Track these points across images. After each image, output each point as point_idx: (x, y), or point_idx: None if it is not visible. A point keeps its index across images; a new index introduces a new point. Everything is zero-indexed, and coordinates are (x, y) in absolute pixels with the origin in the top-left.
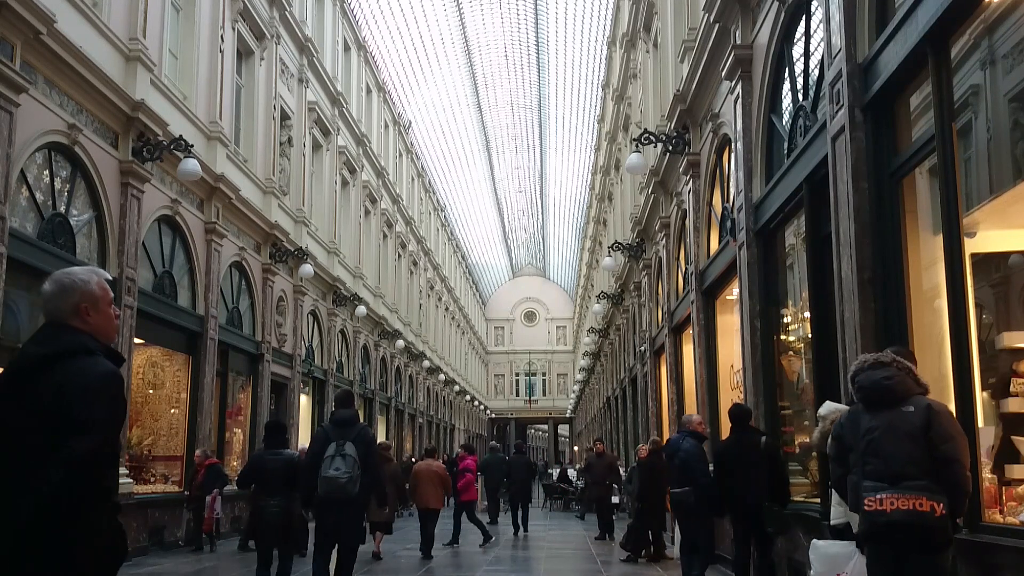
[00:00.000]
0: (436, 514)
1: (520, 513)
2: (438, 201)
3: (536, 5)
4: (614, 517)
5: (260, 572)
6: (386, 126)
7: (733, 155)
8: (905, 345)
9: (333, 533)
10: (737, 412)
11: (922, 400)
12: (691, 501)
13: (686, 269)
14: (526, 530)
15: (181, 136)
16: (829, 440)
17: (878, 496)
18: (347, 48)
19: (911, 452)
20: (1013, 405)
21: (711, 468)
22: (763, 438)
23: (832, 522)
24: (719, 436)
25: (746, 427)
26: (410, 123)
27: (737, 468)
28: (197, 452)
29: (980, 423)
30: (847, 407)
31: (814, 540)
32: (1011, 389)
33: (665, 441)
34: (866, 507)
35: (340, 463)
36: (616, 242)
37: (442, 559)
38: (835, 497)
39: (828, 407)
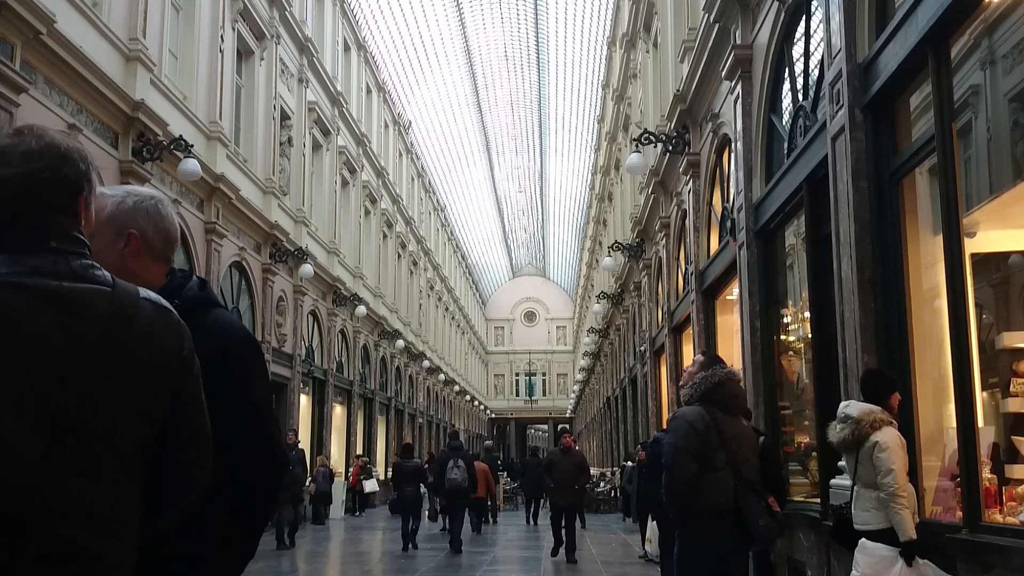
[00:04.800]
0: (484, 502)
1: (533, 508)
2: (438, 201)
3: (536, 5)
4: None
5: (404, 528)
6: (386, 126)
7: (733, 155)
8: (906, 345)
9: (453, 508)
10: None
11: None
12: None
13: (686, 269)
14: (536, 524)
15: (181, 136)
16: (688, 436)
17: (771, 497)
18: (347, 48)
19: (756, 459)
20: (1013, 405)
21: None
22: (761, 439)
23: (862, 526)
24: None
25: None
26: (410, 123)
27: None
28: None
29: (980, 423)
30: (878, 408)
31: (862, 540)
32: (1011, 389)
33: (651, 438)
34: (772, 507)
35: (456, 471)
36: (616, 242)
37: (442, 559)
38: (867, 502)
39: (860, 407)
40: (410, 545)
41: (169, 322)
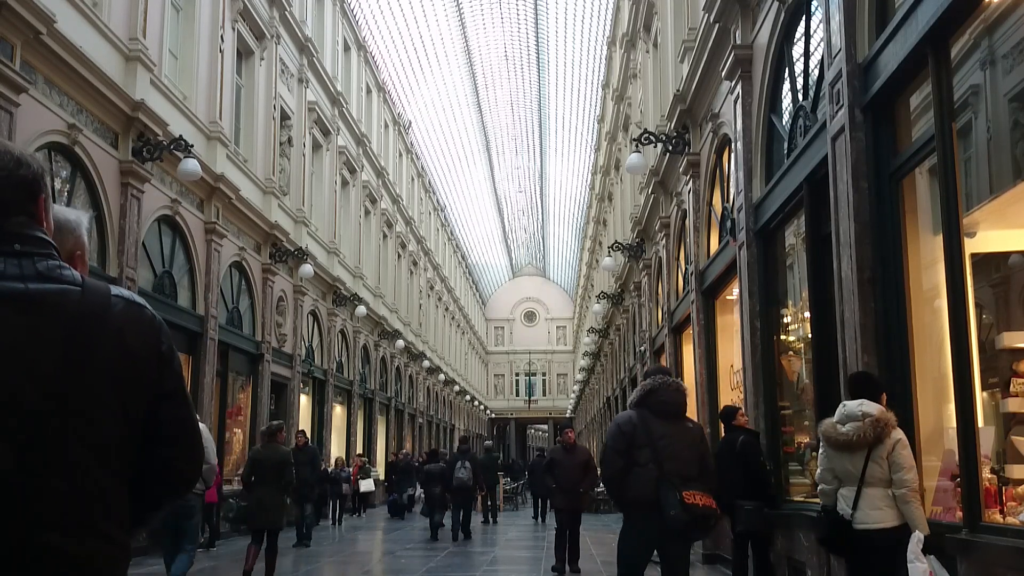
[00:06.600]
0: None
1: (540, 506)
2: (438, 201)
3: (536, 5)
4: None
5: (431, 521)
6: (386, 126)
7: (733, 155)
8: (906, 345)
9: (460, 503)
10: (722, 413)
11: (693, 420)
12: None
13: (686, 269)
14: (544, 521)
15: (181, 136)
16: (615, 437)
17: (691, 491)
18: (347, 48)
19: (692, 458)
20: (1013, 405)
21: None
22: (740, 437)
23: (873, 525)
24: (718, 437)
25: (731, 427)
26: (410, 123)
27: (723, 468)
28: None
29: (980, 423)
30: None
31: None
32: (1011, 389)
33: None
34: (686, 499)
35: (463, 471)
36: (616, 242)
37: (443, 559)
38: (879, 500)
39: (876, 407)
40: (437, 534)
41: (143, 318)
